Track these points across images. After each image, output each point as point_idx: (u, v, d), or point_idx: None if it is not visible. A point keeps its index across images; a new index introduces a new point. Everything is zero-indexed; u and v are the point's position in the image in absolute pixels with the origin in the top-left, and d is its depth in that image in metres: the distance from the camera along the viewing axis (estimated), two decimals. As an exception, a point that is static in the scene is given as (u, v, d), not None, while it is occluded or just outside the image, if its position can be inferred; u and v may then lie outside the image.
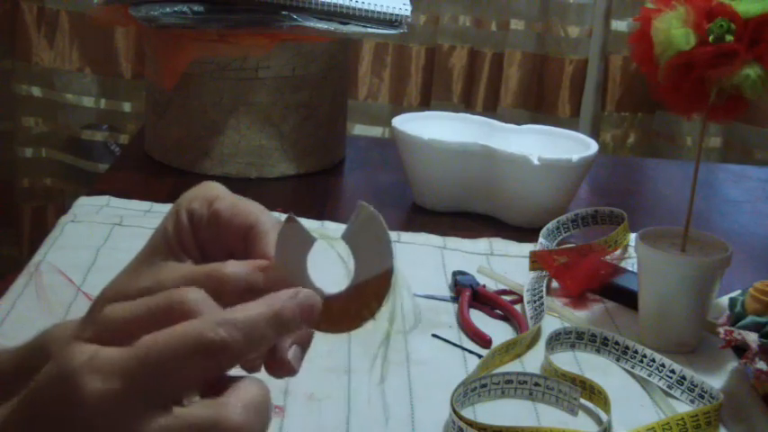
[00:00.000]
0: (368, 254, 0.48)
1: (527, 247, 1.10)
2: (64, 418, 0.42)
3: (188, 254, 0.52)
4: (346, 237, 0.49)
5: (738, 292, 0.93)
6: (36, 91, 2.26)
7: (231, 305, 0.45)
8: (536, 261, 1.07)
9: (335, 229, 1.17)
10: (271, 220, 0.51)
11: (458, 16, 2.13)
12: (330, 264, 0.52)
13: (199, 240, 0.52)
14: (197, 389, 0.43)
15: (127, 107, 2.24)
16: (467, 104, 2.15)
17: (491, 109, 2.13)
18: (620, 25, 2.09)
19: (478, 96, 2.15)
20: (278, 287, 0.47)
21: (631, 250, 1.13)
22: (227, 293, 0.46)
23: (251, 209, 0.52)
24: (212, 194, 0.53)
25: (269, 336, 0.44)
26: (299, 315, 0.45)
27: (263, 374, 0.48)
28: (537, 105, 2.15)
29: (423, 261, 1.11)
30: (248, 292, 0.47)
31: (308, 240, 0.48)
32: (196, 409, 0.42)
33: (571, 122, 2.08)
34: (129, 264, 0.54)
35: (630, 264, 1.10)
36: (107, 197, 1.22)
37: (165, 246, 0.52)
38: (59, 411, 0.42)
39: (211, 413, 0.42)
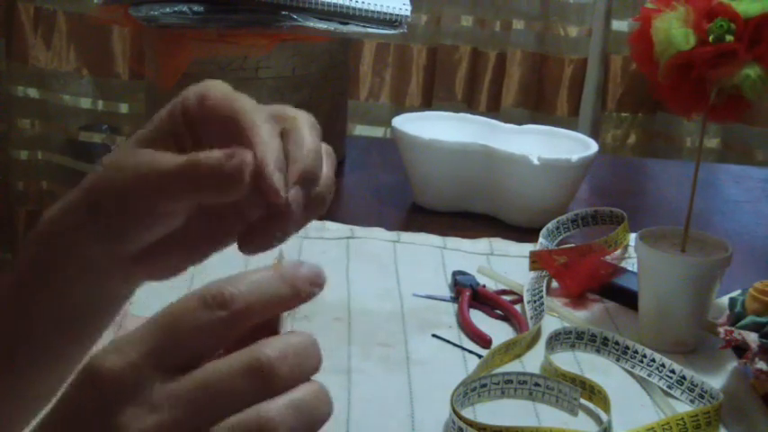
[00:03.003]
0: None
1: (527, 247, 1.10)
2: None
3: (180, 144, 0.53)
4: None
5: (738, 292, 0.93)
6: (32, 92, 2.26)
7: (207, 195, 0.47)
8: (536, 261, 1.06)
9: (335, 228, 1.17)
10: (257, 113, 0.51)
11: (459, 16, 2.13)
12: None
13: (193, 133, 0.53)
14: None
15: (124, 108, 2.24)
16: (468, 104, 2.15)
17: (493, 109, 2.13)
18: (620, 25, 2.09)
19: (480, 96, 2.15)
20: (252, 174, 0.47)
21: (631, 250, 1.13)
22: (205, 178, 0.47)
23: (240, 101, 0.52)
24: (206, 88, 0.53)
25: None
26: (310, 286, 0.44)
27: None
28: (536, 105, 2.15)
29: (423, 261, 1.11)
30: (223, 181, 0.47)
31: None
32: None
33: (570, 122, 2.08)
34: (128, 141, 0.54)
35: (630, 264, 1.10)
36: (107, 197, 1.21)
37: (158, 134, 0.53)
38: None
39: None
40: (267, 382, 0.40)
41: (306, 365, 0.42)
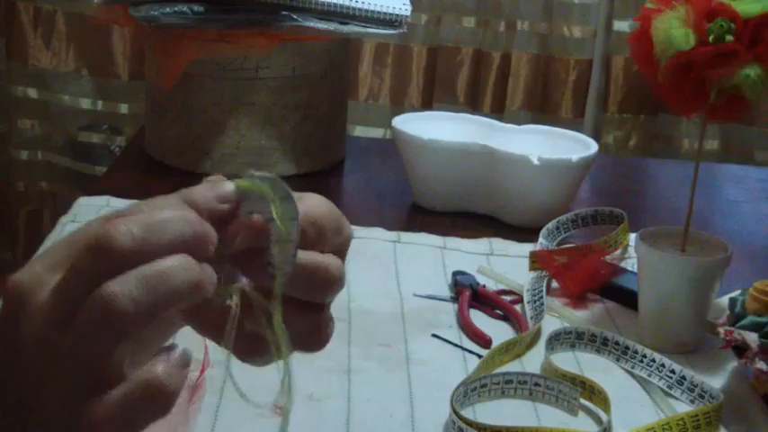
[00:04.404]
0: None
1: (527, 247, 1.10)
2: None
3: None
4: None
5: (738, 292, 0.93)
6: (32, 92, 2.25)
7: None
8: (536, 261, 1.07)
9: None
10: None
11: (460, 17, 2.13)
12: None
13: None
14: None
15: (124, 109, 2.23)
16: (472, 107, 2.15)
17: (498, 111, 2.12)
18: (622, 26, 2.09)
19: (484, 99, 2.15)
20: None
21: (631, 250, 1.13)
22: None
23: None
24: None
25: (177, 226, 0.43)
26: (213, 197, 0.45)
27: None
28: (541, 107, 2.14)
29: (423, 261, 1.11)
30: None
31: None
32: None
33: (575, 123, 2.07)
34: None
35: (630, 264, 1.10)
36: (107, 197, 1.21)
37: None
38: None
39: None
40: (108, 256, 0.42)
41: (163, 236, 0.43)
